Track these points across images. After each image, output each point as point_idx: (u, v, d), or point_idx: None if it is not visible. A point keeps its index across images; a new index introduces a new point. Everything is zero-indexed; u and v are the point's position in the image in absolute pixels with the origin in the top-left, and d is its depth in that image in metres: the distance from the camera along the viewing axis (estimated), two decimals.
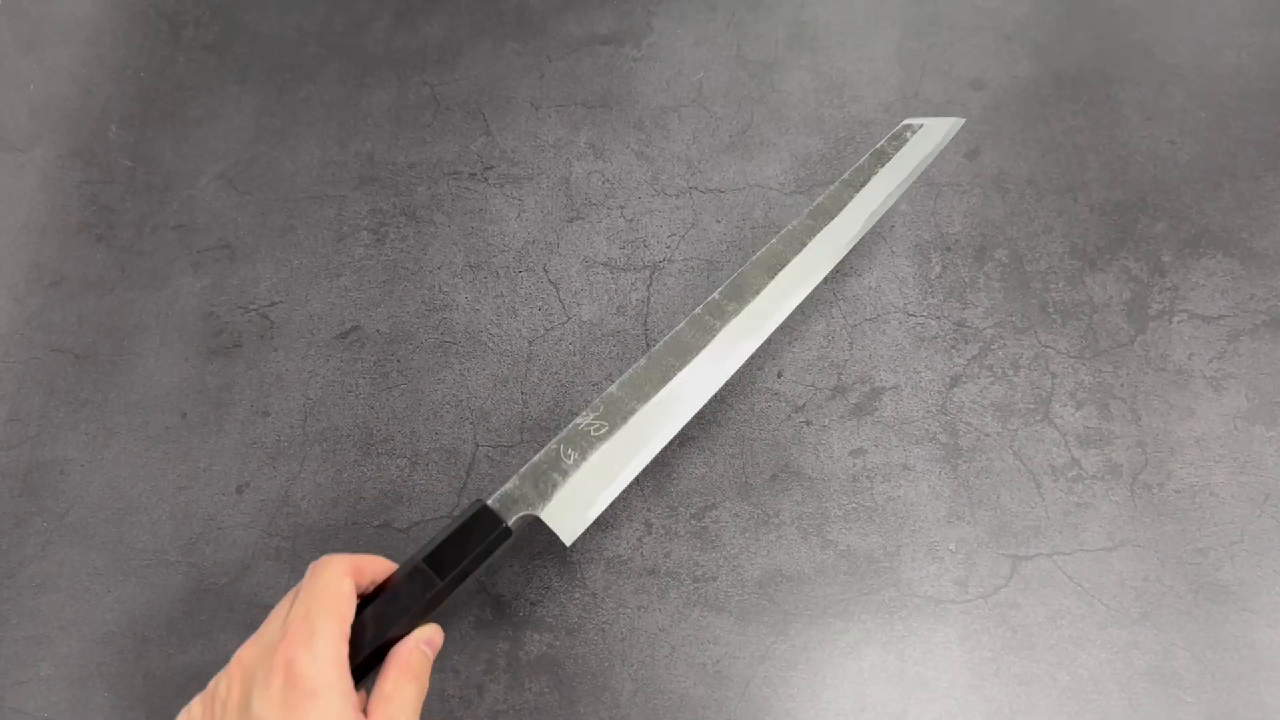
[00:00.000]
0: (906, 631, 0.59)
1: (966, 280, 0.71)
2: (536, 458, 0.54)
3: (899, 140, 0.67)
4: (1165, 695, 0.57)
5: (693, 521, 0.63)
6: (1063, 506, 0.63)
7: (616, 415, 0.56)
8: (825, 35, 0.83)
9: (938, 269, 0.72)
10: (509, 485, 0.53)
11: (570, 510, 0.53)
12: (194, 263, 0.75)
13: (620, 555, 0.62)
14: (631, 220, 0.75)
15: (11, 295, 0.75)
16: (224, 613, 0.62)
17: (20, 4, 0.90)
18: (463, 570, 0.49)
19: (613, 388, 0.57)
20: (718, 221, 0.74)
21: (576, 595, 0.61)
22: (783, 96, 0.80)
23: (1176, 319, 0.69)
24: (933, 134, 0.67)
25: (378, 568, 0.48)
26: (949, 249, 0.72)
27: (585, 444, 0.55)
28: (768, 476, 0.64)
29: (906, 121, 0.69)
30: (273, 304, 0.73)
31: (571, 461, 0.54)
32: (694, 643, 0.60)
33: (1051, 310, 0.70)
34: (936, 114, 0.78)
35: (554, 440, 0.55)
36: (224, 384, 0.70)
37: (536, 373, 0.69)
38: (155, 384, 0.71)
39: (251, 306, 0.73)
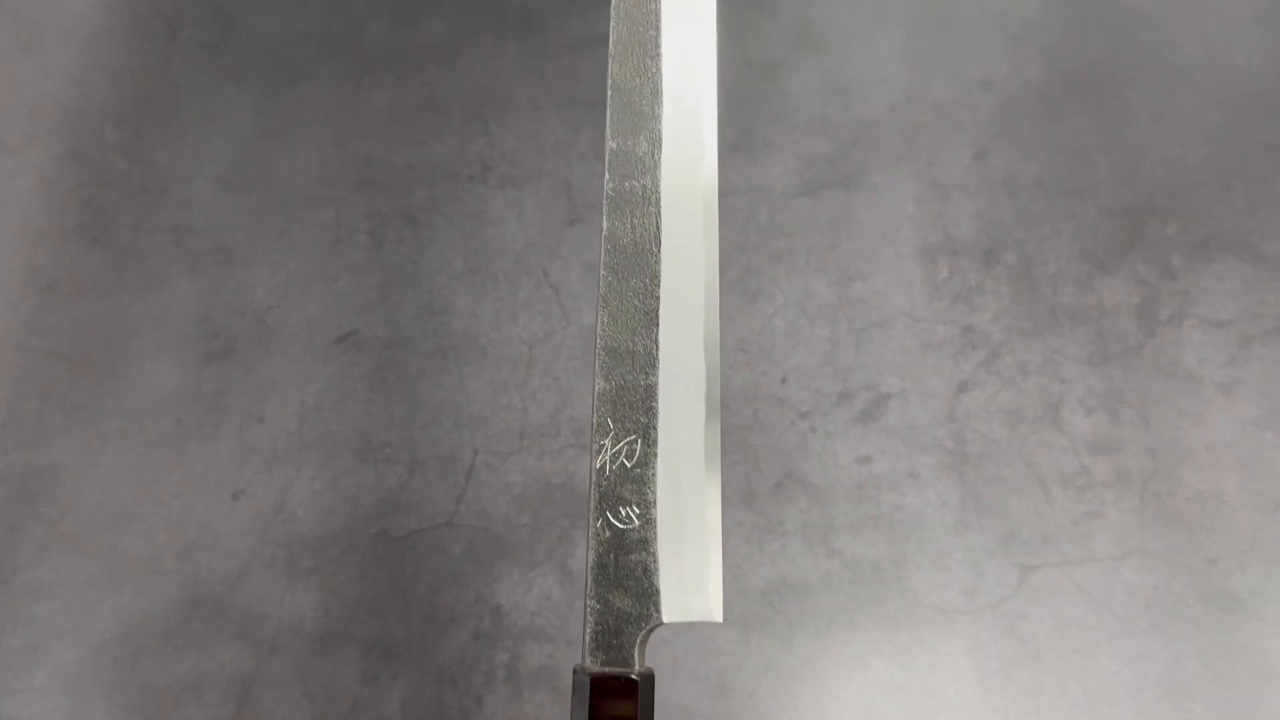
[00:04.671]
0: (913, 642, 0.59)
1: (974, 284, 0.70)
2: (592, 557, 0.36)
3: None
4: (1175, 706, 0.57)
5: None
6: (1071, 515, 0.62)
7: (635, 420, 0.38)
8: (831, 35, 0.83)
9: (944, 272, 0.71)
10: (590, 630, 0.35)
11: (692, 580, 0.35)
12: (190, 266, 0.75)
13: None
14: None
15: (6, 299, 0.74)
16: (219, 621, 0.62)
17: (16, 4, 0.89)
18: None
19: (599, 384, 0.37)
20: (720, 224, 0.74)
21: (577, 606, 0.61)
22: (787, 97, 0.79)
23: (1187, 324, 0.68)
24: None
25: None
26: (956, 252, 0.72)
27: (636, 486, 0.36)
28: (772, 484, 0.64)
29: None
30: (269, 308, 0.73)
31: (637, 522, 0.36)
32: (697, 654, 0.59)
33: (1060, 315, 0.69)
34: (943, 117, 0.77)
35: (591, 508, 0.36)
36: (219, 389, 0.70)
37: (537, 378, 0.68)
38: (150, 389, 0.70)
39: (247, 310, 0.73)
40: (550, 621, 0.60)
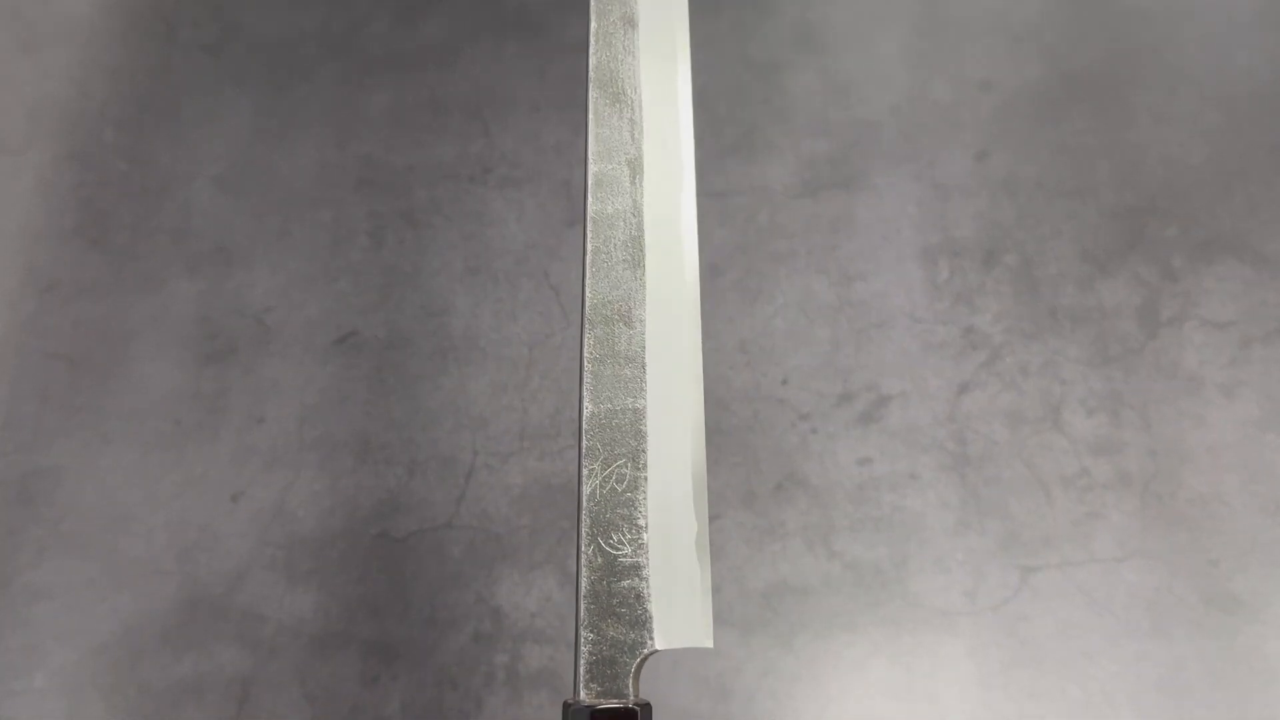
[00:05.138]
0: (914, 644, 0.59)
1: (975, 285, 0.70)
2: (585, 586, 0.35)
3: None
4: (1176, 708, 0.57)
5: None
6: (1072, 516, 0.62)
7: (624, 444, 0.37)
8: (831, 36, 0.82)
9: (945, 273, 0.71)
10: (584, 661, 0.34)
11: (683, 605, 0.35)
12: (189, 267, 0.75)
13: None
14: None
15: (6, 300, 0.74)
16: (219, 623, 0.62)
17: (16, 5, 0.89)
18: None
19: (586, 404, 0.37)
20: (721, 226, 0.74)
21: None
22: (788, 98, 0.79)
23: (1188, 325, 0.68)
24: None
25: None
26: (957, 253, 0.71)
27: (627, 510, 0.35)
28: (772, 485, 0.64)
29: None
30: (268, 309, 0.73)
31: (629, 548, 0.35)
32: (697, 656, 0.59)
33: (1061, 316, 0.69)
34: (944, 117, 0.77)
35: (582, 535, 0.35)
36: (219, 390, 0.69)
37: (537, 379, 0.68)
38: (150, 390, 0.70)
39: (247, 311, 0.73)
40: (550, 623, 0.60)
